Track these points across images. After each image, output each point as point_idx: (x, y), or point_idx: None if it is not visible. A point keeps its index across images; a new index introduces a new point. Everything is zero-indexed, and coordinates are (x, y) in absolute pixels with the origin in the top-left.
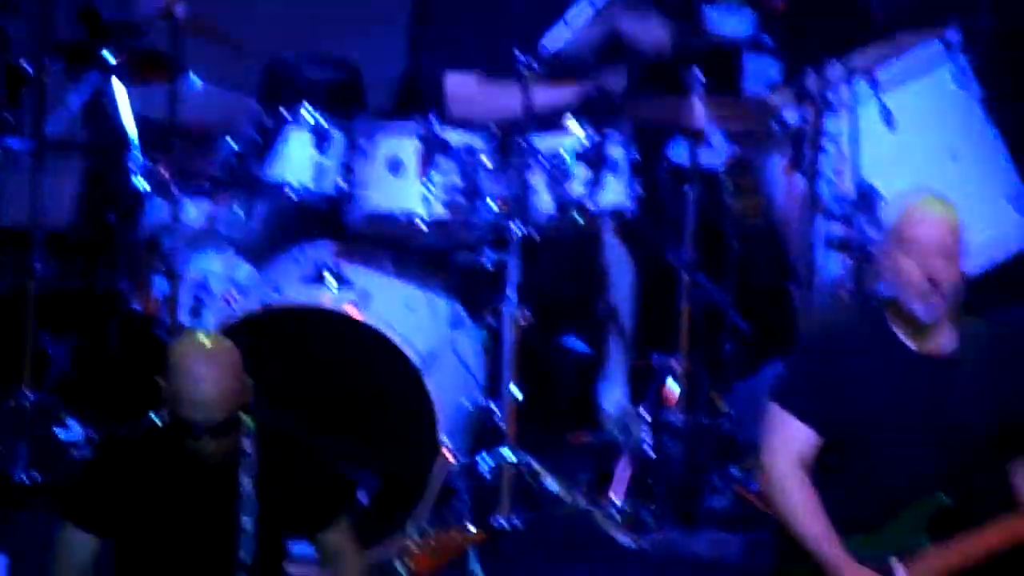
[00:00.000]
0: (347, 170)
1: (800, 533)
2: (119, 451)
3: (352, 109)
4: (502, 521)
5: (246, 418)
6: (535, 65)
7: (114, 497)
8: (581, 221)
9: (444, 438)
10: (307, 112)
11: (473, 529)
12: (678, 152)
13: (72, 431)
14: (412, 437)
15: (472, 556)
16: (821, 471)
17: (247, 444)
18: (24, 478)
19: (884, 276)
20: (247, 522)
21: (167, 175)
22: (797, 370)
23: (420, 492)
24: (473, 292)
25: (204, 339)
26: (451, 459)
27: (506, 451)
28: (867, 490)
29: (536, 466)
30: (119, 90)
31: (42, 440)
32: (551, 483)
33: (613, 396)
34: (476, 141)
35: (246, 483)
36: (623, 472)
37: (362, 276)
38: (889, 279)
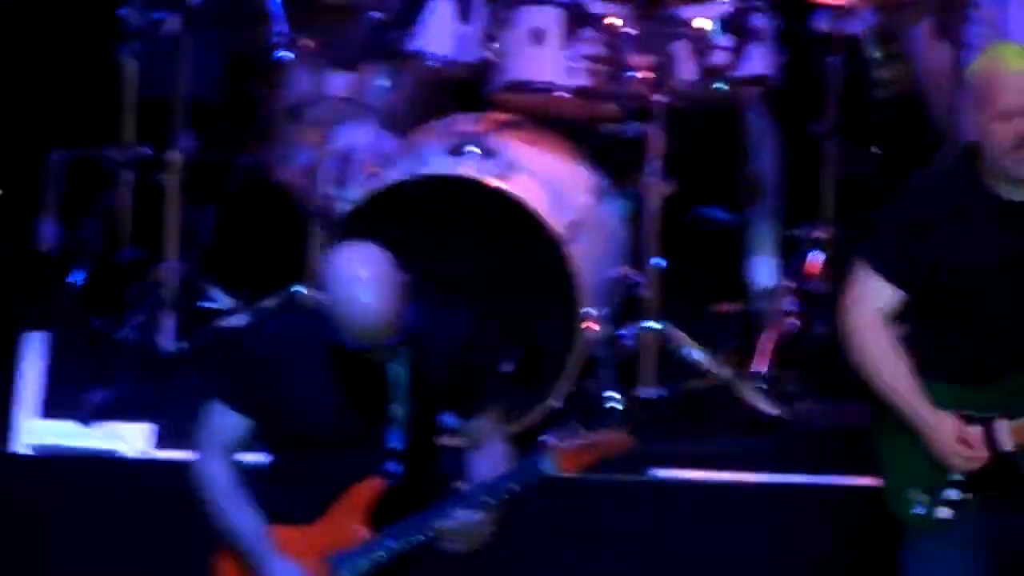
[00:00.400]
0: (490, 40)
1: (880, 385)
2: (268, 334)
3: None
4: (645, 391)
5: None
6: None
7: (263, 381)
8: (725, 90)
9: (587, 308)
10: None
11: (620, 432)
12: (822, 20)
13: (217, 301)
14: (555, 308)
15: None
16: (921, 323)
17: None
18: (170, 348)
19: (974, 131)
20: (398, 409)
21: (311, 46)
22: (884, 227)
23: (563, 362)
24: (616, 162)
25: (361, 259)
26: (594, 329)
27: (649, 321)
28: (970, 343)
29: (679, 336)
30: None
31: (187, 310)
32: (694, 353)
33: (760, 267)
34: (619, 10)
35: (398, 371)
36: (767, 342)
37: (505, 146)
38: (979, 134)
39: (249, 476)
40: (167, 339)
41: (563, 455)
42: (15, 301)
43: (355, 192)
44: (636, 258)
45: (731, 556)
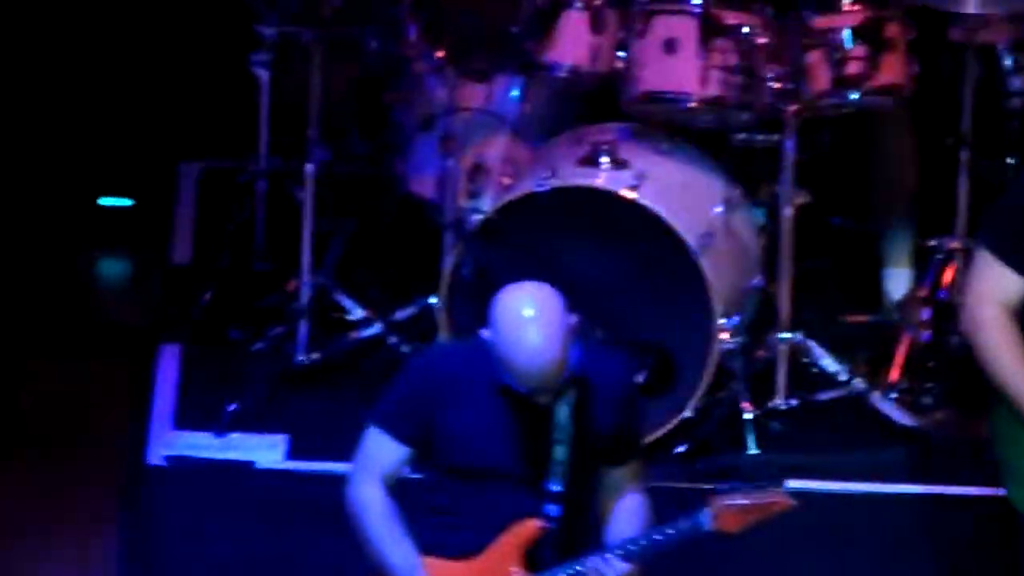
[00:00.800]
0: (623, 50)
1: (998, 376)
2: (435, 364)
3: None
4: (778, 402)
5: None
6: None
7: (424, 411)
8: (858, 100)
9: (721, 319)
10: None
11: (781, 495)
12: (957, 29)
13: (350, 312)
14: (689, 318)
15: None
16: None
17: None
18: (304, 359)
19: None
20: (560, 451)
21: (444, 58)
22: (1003, 213)
23: (697, 373)
24: (749, 172)
25: (530, 300)
26: (728, 340)
27: (783, 332)
28: None
29: (813, 346)
30: None
31: (321, 322)
32: (828, 363)
33: (894, 277)
34: (753, 20)
35: (562, 412)
36: (901, 353)
37: (638, 157)
38: None
39: (405, 505)
40: (300, 351)
41: (724, 514)
42: (150, 313)
43: (488, 203)
44: (770, 268)
45: (866, 567)
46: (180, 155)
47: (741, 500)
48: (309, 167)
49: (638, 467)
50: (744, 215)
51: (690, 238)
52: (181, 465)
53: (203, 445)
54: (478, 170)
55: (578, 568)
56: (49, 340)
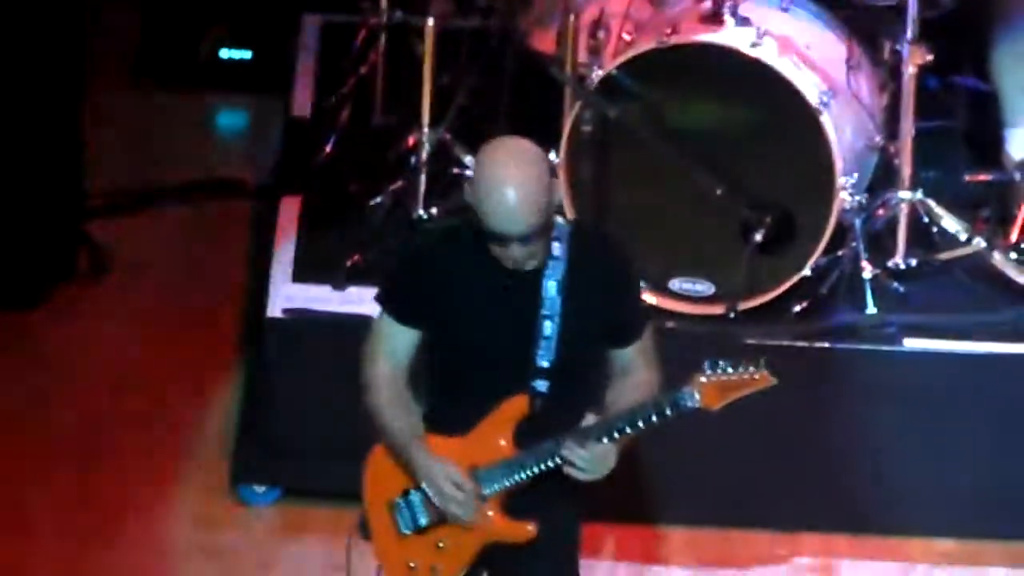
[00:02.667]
0: None
1: None
2: (433, 244)
3: None
4: (898, 261)
5: (560, 220)
6: None
7: (427, 291)
8: None
9: (841, 178)
10: None
11: (763, 372)
12: None
13: (469, 167)
14: (809, 177)
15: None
16: None
17: (556, 248)
18: (422, 214)
19: None
20: (549, 327)
21: None
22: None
23: (816, 232)
24: (871, 30)
25: (511, 150)
26: (848, 199)
27: (903, 191)
28: None
29: (933, 205)
30: None
31: (440, 176)
32: (948, 223)
33: (1016, 137)
34: None
35: (550, 287)
36: (1023, 213)
37: (759, 15)
38: None
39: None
40: (419, 204)
41: (707, 390)
42: (270, 166)
43: (609, 59)
44: (891, 127)
45: (984, 428)
46: (302, 7)
47: (723, 376)
48: (430, 21)
49: (643, 349)
50: (866, 73)
51: (811, 96)
52: (299, 317)
53: (321, 298)
54: (598, 26)
55: (559, 444)
56: (172, 191)
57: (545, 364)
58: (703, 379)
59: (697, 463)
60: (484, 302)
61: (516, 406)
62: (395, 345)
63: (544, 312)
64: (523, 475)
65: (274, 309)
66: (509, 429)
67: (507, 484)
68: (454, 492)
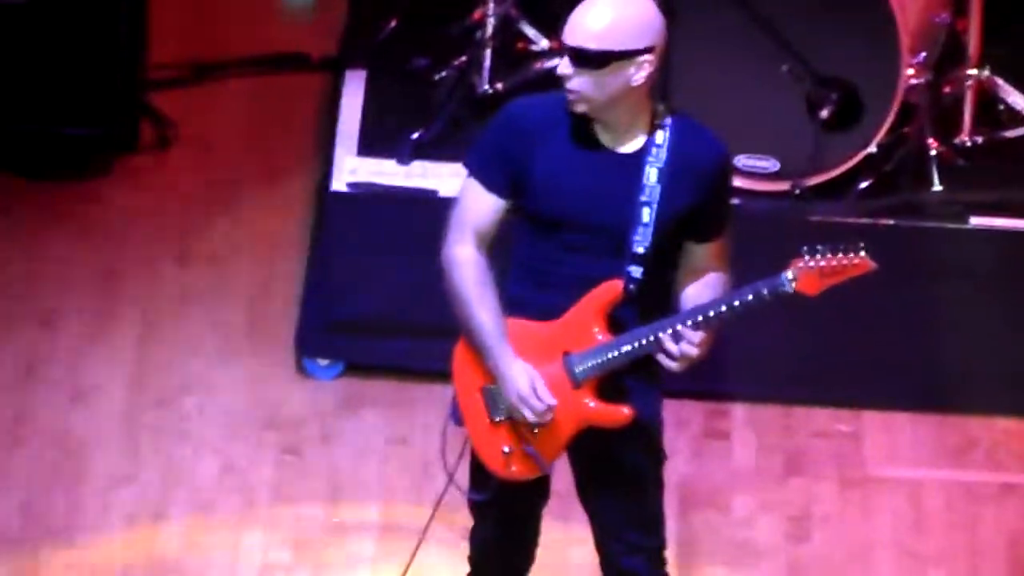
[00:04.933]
0: None
1: None
2: (532, 110)
3: None
4: (964, 139)
5: (661, 107)
6: None
7: (520, 159)
8: None
9: (906, 54)
10: None
11: (863, 257)
12: None
13: (536, 43)
14: (876, 53)
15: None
16: None
17: (659, 136)
18: (488, 89)
19: None
20: (647, 213)
21: None
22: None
23: (883, 109)
24: None
25: None
26: (915, 75)
27: (971, 68)
28: None
29: (1001, 83)
30: None
31: (505, 51)
32: (1016, 100)
33: None
34: None
35: (651, 175)
36: None
37: None
38: None
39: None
40: (484, 80)
41: (804, 275)
42: (335, 39)
43: None
44: (959, 3)
45: None
46: None
47: (822, 262)
48: None
49: (722, 247)
50: None
51: None
52: (364, 191)
53: (386, 172)
54: None
55: (655, 331)
56: (237, 64)
57: (641, 250)
58: (801, 264)
59: (759, 339)
60: (582, 179)
61: (611, 291)
62: (481, 218)
63: (644, 198)
64: (618, 361)
65: (338, 183)
66: (603, 314)
67: (601, 370)
68: (534, 403)
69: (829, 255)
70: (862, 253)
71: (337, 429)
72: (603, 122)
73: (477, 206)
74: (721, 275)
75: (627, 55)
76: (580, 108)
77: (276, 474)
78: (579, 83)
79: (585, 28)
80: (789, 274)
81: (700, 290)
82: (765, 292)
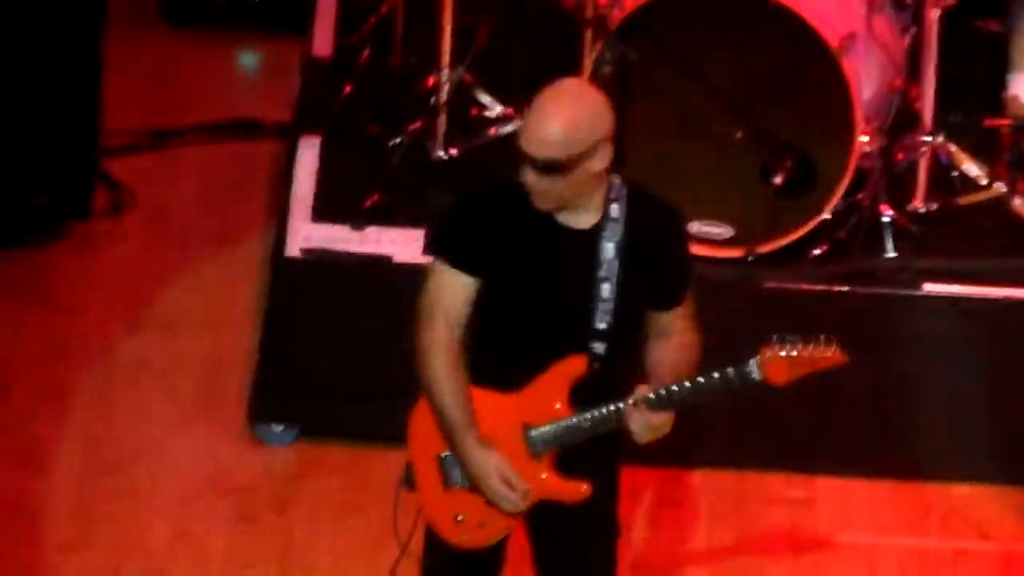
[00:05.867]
0: None
1: None
2: (490, 195)
3: None
4: (918, 205)
5: (616, 180)
6: None
7: (488, 241)
8: None
9: (861, 122)
10: None
11: (835, 349)
12: None
13: (490, 109)
14: (828, 120)
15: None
16: None
17: (615, 209)
18: (442, 155)
19: None
20: (606, 289)
21: None
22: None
23: (835, 176)
24: None
25: (573, 86)
26: (867, 142)
27: (924, 135)
28: None
29: (954, 149)
30: None
31: (459, 117)
32: (969, 166)
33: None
34: None
35: (608, 249)
36: None
37: None
38: None
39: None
40: (439, 145)
41: (773, 364)
42: (290, 107)
43: (630, 1)
44: (911, 71)
45: (1002, 371)
46: None
47: (793, 352)
48: None
49: (687, 310)
50: (888, 16)
51: (832, 39)
52: (318, 257)
53: (340, 238)
54: None
55: (616, 409)
56: (192, 131)
57: (602, 326)
58: (770, 354)
59: (714, 406)
60: (542, 258)
61: (574, 367)
62: (451, 299)
63: (602, 274)
64: (578, 435)
65: (292, 248)
66: (565, 390)
67: (560, 445)
68: (506, 492)
69: (800, 346)
70: (834, 346)
71: (291, 495)
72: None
73: (445, 287)
74: (689, 338)
75: (591, 150)
76: (547, 207)
77: (229, 541)
78: (549, 188)
79: (549, 140)
80: (759, 363)
81: (669, 356)
82: (733, 377)
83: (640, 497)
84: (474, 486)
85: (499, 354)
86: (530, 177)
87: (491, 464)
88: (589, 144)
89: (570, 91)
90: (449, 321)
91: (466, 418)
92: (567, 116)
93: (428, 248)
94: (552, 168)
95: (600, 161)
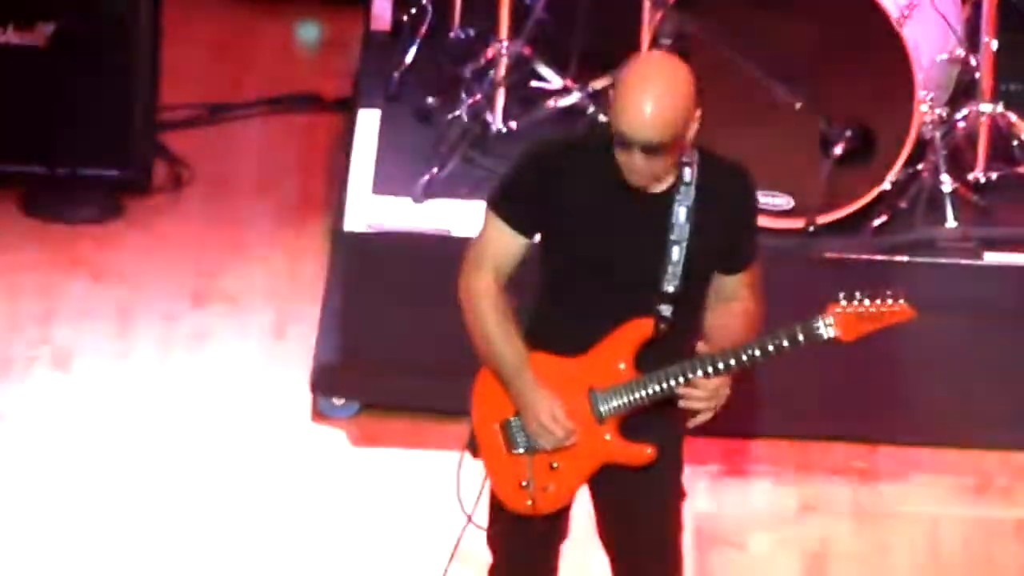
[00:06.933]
0: None
1: None
2: (559, 149)
3: None
4: (978, 175)
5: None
6: None
7: (545, 198)
8: None
9: (920, 92)
10: None
11: (903, 304)
12: None
13: (550, 81)
14: (889, 90)
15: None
16: None
17: (687, 174)
18: (502, 128)
19: None
20: (676, 252)
21: None
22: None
23: (896, 145)
24: None
25: (662, 61)
26: (928, 111)
27: (983, 104)
28: None
29: (1014, 119)
30: None
31: (519, 89)
32: None
33: None
34: None
35: (680, 213)
36: None
37: None
38: None
39: (519, 298)
40: (498, 119)
41: (842, 321)
42: (350, 81)
43: None
44: (972, 40)
45: None
46: None
47: (860, 308)
48: None
49: (752, 276)
50: None
51: (891, 9)
52: (378, 232)
53: (400, 211)
54: None
55: (686, 370)
56: (251, 105)
57: (671, 289)
58: (838, 309)
59: (775, 375)
60: (610, 219)
61: (641, 329)
62: (502, 255)
63: (673, 237)
64: (643, 400)
65: (353, 223)
66: (631, 352)
67: (626, 407)
68: (554, 428)
69: (868, 301)
70: (902, 300)
71: (352, 469)
72: None
73: (499, 243)
74: (752, 306)
75: (689, 124)
76: (643, 183)
77: (294, 514)
78: (649, 168)
79: (651, 123)
80: (828, 319)
81: (731, 322)
82: (801, 336)
83: (703, 466)
84: (538, 448)
85: (564, 318)
86: (633, 159)
87: (545, 402)
88: (687, 119)
89: (660, 68)
90: (499, 273)
91: (520, 359)
92: (665, 96)
93: (488, 200)
94: (656, 149)
95: (693, 132)
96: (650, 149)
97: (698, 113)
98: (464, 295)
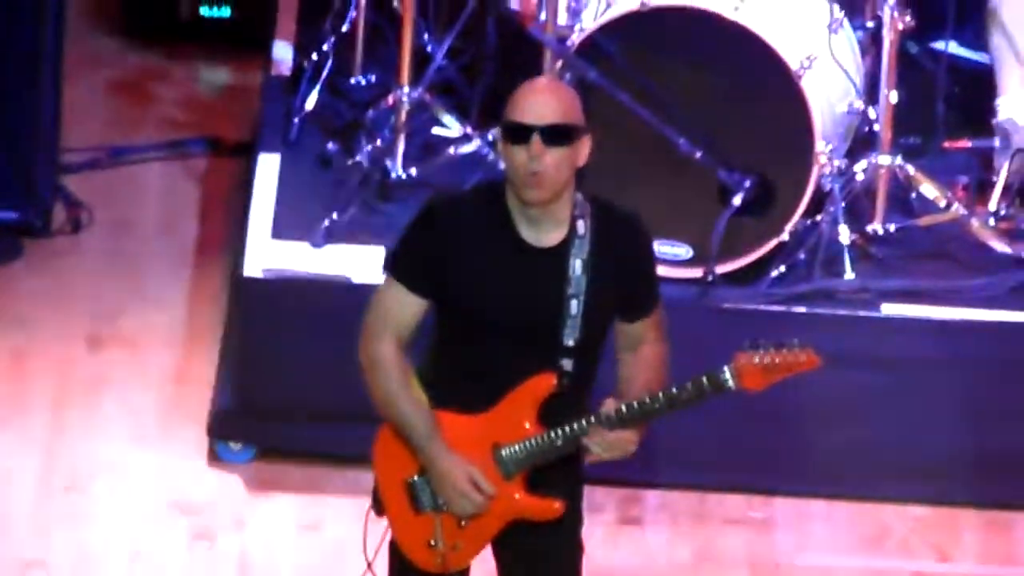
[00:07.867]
0: None
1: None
2: (447, 211)
3: None
4: (876, 227)
5: (579, 196)
6: None
7: (442, 259)
8: None
9: (820, 142)
10: None
11: (809, 353)
12: None
13: (450, 128)
14: (787, 141)
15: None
16: None
17: (581, 226)
18: (401, 174)
19: None
20: (574, 306)
21: None
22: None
23: (794, 197)
24: None
25: (546, 82)
26: (826, 163)
27: (882, 156)
28: None
29: (912, 171)
30: None
31: (419, 135)
32: (927, 188)
33: (1007, 102)
34: None
35: (577, 266)
36: (1002, 179)
37: None
38: None
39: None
40: (398, 165)
41: (748, 371)
42: (250, 126)
43: (588, 21)
44: (871, 92)
45: (960, 392)
46: None
47: (766, 357)
48: None
49: (656, 321)
50: (847, 38)
51: (792, 60)
52: (277, 277)
53: (299, 256)
54: None
55: (586, 425)
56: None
57: (571, 343)
58: (744, 360)
59: (672, 424)
60: (507, 275)
61: (544, 384)
62: (402, 319)
63: (571, 291)
64: (549, 455)
65: (251, 267)
66: (534, 407)
67: (532, 463)
68: (470, 490)
69: (773, 350)
70: (809, 349)
71: (249, 514)
72: (540, 214)
73: (398, 307)
74: (658, 350)
75: (583, 130)
76: (543, 196)
77: (187, 559)
78: (551, 161)
79: (549, 106)
80: (732, 369)
81: (640, 374)
82: (707, 386)
83: (600, 515)
84: (442, 500)
85: (465, 376)
86: (532, 152)
87: (458, 467)
88: (580, 121)
89: (547, 77)
90: (401, 338)
91: (430, 425)
92: (558, 87)
93: (384, 265)
94: (557, 135)
95: (585, 151)
96: (550, 134)
97: (587, 138)
98: (367, 363)
